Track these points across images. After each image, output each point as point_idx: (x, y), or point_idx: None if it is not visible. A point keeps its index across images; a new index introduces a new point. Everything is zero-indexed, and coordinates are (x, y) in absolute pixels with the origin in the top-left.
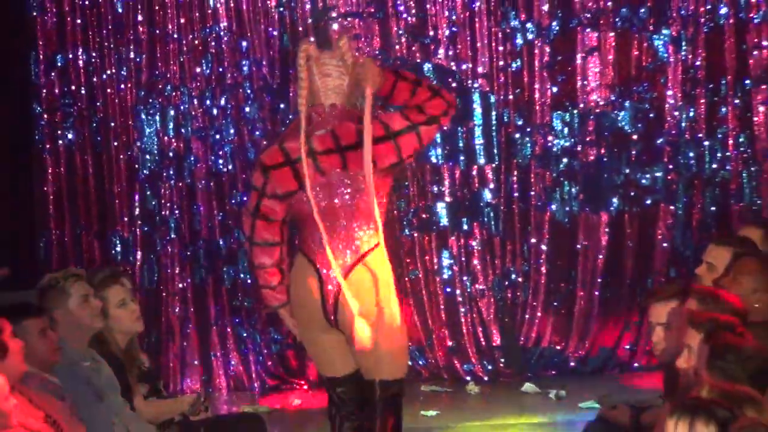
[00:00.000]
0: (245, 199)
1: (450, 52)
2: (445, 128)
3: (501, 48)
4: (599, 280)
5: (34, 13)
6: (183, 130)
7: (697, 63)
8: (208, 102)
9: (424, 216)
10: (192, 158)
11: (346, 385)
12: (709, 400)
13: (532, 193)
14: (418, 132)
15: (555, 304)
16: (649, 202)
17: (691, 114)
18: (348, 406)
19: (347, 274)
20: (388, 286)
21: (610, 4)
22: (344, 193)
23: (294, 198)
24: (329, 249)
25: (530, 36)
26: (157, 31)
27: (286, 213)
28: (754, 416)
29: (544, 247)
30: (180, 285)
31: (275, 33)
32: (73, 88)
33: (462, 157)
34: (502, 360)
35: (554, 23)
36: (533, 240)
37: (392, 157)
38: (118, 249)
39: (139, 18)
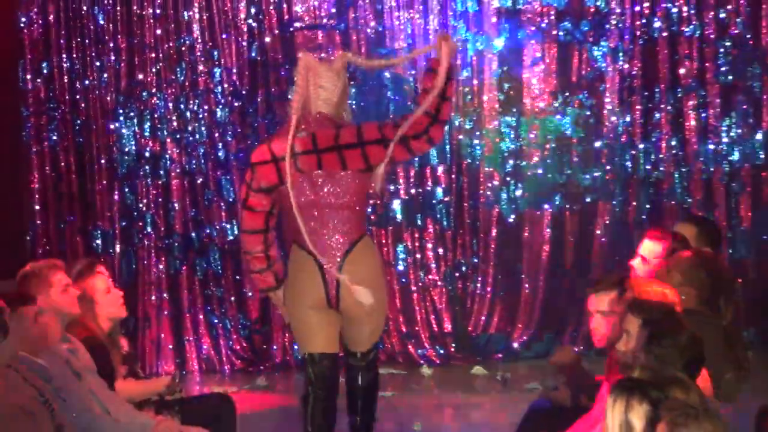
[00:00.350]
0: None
1: (406, 62)
2: (415, 153)
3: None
4: (543, 271)
5: (22, 25)
6: (159, 133)
7: (633, 72)
8: (182, 106)
9: (380, 212)
10: (167, 158)
11: (324, 362)
12: (645, 381)
13: (481, 191)
14: (387, 146)
15: (502, 293)
16: (588, 200)
17: (628, 119)
18: (322, 386)
19: (341, 262)
20: (378, 273)
21: (553, 18)
22: (324, 190)
23: (279, 192)
24: (308, 238)
25: (480, 47)
26: (136, 41)
27: (271, 205)
28: (682, 397)
29: (492, 242)
30: (156, 275)
31: (244, 43)
32: (58, 93)
33: (416, 159)
34: (453, 345)
35: (502, 36)
36: (482, 235)
37: (359, 163)
38: (99, 242)
39: (119, 29)
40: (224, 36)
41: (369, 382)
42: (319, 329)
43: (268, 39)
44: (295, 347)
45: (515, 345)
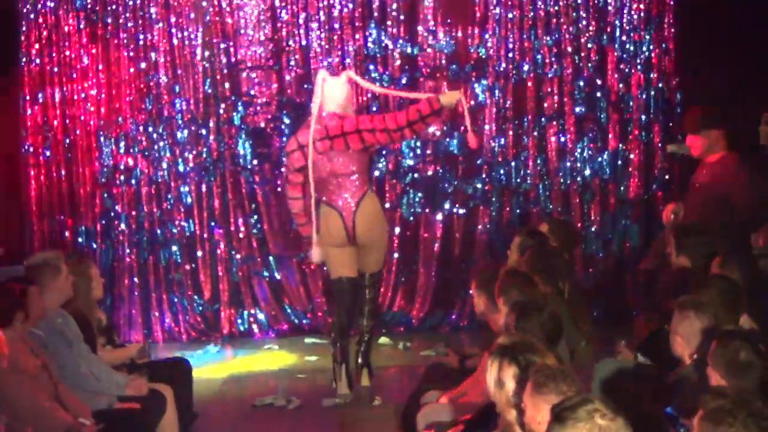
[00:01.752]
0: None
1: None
2: (395, 141)
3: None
4: (435, 262)
5: (22, 63)
6: (131, 150)
7: (507, 105)
8: (150, 129)
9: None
10: (138, 170)
11: (348, 283)
12: (513, 346)
13: (387, 197)
14: (375, 134)
15: (403, 279)
16: (471, 205)
17: (502, 142)
18: (344, 299)
19: (355, 209)
20: (380, 217)
21: (443, 61)
22: (338, 163)
23: (308, 169)
24: (331, 197)
25: (385, 84)
26: (113, 77)
27: (303, 179)
28: (540, 361)
29: (395, 238)
30: (128, 263)
31: (200, 80)
32: (51, 118)
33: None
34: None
35: (403, 75)
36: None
37: (358, 144)
38: (84, 237)
39: (100, 66)
40: (183, 73)
41: (374, 294)
42: (345, 261)
43: (218, 76)
44: (239, 321)
45: (414, 320)
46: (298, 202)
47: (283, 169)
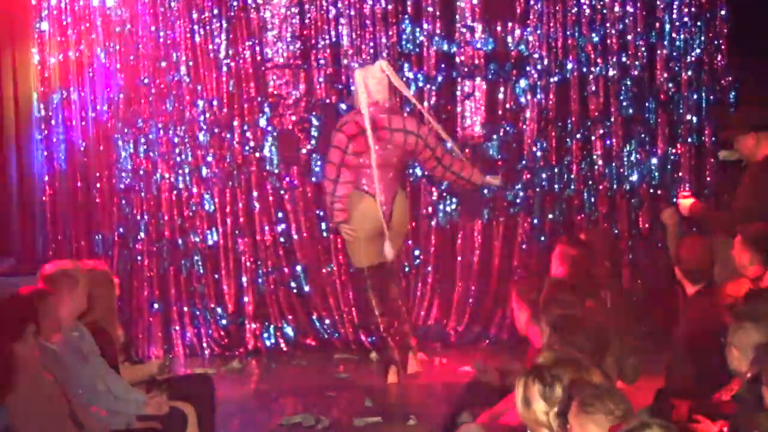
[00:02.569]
0: (328, 158)
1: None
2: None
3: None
4: (474, 273)
5: (37, 62)
6: (151, 153)
7: (549, 105)
8: (170, 132)
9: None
10: (158, 175)
11: (374, 269)
12: (542, 365)
13: (422, 204)
14: (430, 151)
15: (439, 291)
16: (512, 212)
17: (544, 145)
18: (375, 282)
19: (392, 201)
20: (407, 212)
21: (482, 60)
22: (388, 153)
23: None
24: (379, 187)
25: (421, 84)
26: (133, 77)
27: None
28: (582, 377)
29: (431, 248)
30: (148, 274)
31: (223, 79)
32: (68, 120)
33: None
34: None
35: (439, 74)
36: (422, 242)
37: (412, 146)
38: (101, 246)
39: (118, 66)
40: (206, 73)
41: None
42: (372, 251)
43: (243, 76)
44: (265, 335)
45: (451, 335)
46: (348, 186)
47: (330, 154)
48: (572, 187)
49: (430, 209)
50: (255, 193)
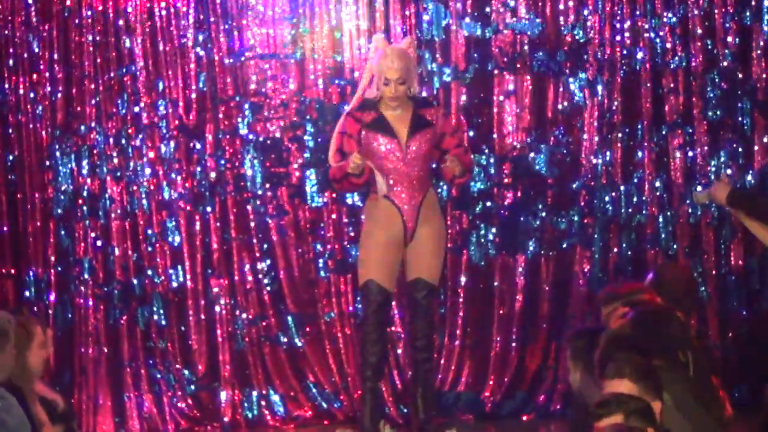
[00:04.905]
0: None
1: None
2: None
3: (418, 89)
4: (516, 324)
5: None
6: (98, 170)
7: (613, 107)
8: (123, 142)
9: (339, 258)
10: (107, 198)
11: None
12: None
13: (450, 234)
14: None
15: (472, 347)
16: (565, 245)
17: (607, 158)
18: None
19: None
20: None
21: (526, 48)
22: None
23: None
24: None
25: (447, 79)
26: (73, 70)
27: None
28: None
29: (460, 290)
30: (94, 326)
31: (192, 73)
32: None
33: None
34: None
35: (471, 66)
36: (449, 282)
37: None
38: (32, 290)
39: (55, 56)
40: (169, 65)
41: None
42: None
43: (217, 69)
44: (245, 404)
45: (486, 404)
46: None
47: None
48: (643, 212)
49: (458, 241)
50: (232, 221)
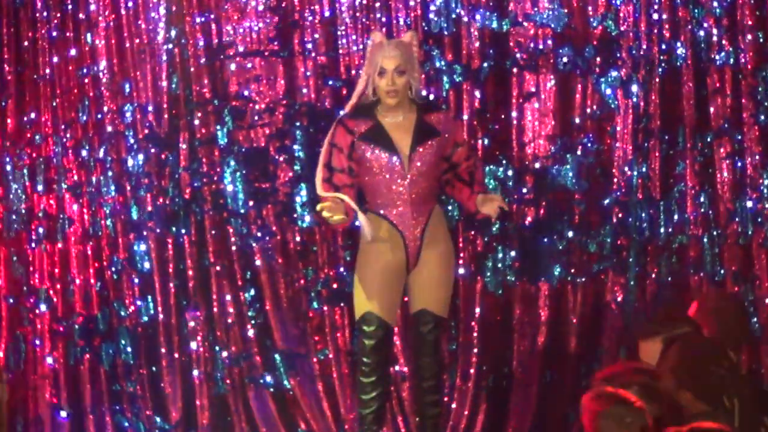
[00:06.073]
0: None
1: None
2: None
3: (424, 92)
4: (539, 362)
5: None
6: (56, 186)
7: (650, 110)
8: (84, 153)
9: (335, 286)
10: (64, 218)
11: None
12: None
13: (461, 260)
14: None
15: (487, 389)
16: (595, 270)
17: (644, 169)
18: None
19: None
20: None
21: (550, 42)
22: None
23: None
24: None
25: (458, 79)
26: (25, 71)
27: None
28: None
29: (474, 324)
30: (51, 366)
31: (163, 73)
32: None
33: None
34: None
35: (486, 64)
36: (462, 315)
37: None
38: None
39: (5, 56)
40: (137, 64)
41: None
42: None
43: (192, 68)
44: None
45: None
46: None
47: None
48: (686, 231)
49: (472, 266)
50: (210, 244)
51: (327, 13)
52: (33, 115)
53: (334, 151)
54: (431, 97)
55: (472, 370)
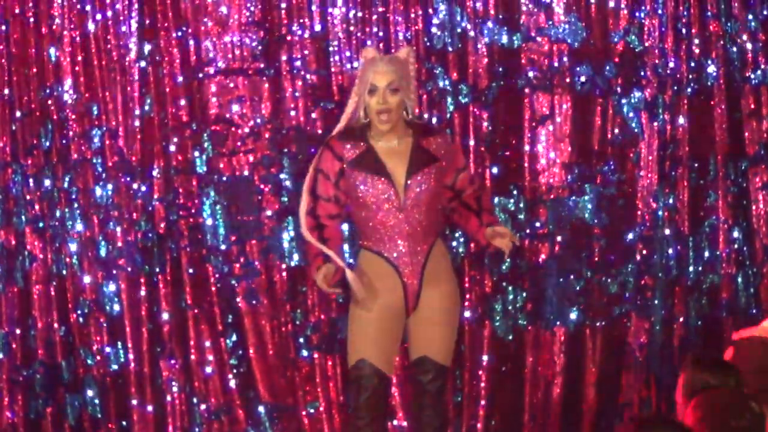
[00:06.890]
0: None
1: None
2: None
3: (426, 115)
4: (554, 415)
5: None
6: (15, 219)
7: (678, 135)
8: (47, 183)
9: (326, 331)
10: (25, 255)
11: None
12: None
13: (467, 302)
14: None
15: None
16: (617, 313)
17: (671, 201)
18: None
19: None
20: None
21: (566, 59)
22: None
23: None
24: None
25: (464, 100)
26: None
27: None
28: None
29: (481, 372)
30: (9, 421)
31: (135, 94)
32: None
33: None
34: None
35: (494, 84)
36: (468, 363)
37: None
38: None
39: None
40: (106, 84)
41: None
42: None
43: (167, 89)
44: None
45: None
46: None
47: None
48: (717, 270)
49: (479, 308)
50: (187, 284)
51: (317, 27)
52: None
53: (320, 177)
54: (434, 120)
55: (479, 425)
